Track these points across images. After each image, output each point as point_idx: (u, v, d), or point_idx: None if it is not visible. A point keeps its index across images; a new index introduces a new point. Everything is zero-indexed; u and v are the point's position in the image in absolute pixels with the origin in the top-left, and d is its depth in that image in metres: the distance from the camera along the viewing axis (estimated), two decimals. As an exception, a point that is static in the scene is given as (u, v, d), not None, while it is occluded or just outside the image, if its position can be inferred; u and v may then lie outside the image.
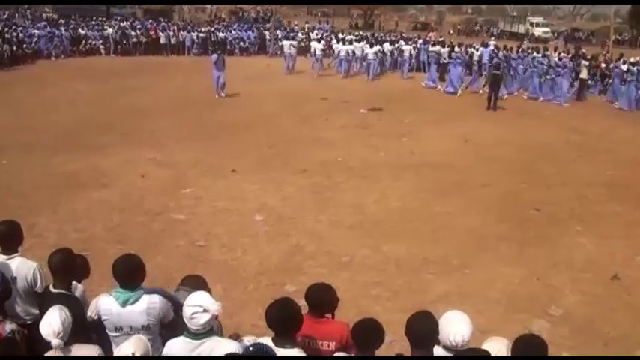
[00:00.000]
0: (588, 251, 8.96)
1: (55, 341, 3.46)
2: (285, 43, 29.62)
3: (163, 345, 3.81)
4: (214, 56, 21.22)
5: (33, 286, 4.43)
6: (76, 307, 3.96)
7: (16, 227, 4.56)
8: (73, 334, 3.61)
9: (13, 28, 31.08)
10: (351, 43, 29.53)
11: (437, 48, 27.66)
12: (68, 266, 4.20)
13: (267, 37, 38.17)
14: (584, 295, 7.61)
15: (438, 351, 3.61)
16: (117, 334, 3.95)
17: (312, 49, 29.72)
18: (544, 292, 7.66)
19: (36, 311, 4.49)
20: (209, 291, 3.99)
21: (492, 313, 7.01)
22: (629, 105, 21.91)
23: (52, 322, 3.50)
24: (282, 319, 3.58)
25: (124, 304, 3.90)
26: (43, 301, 4.14)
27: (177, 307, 3.92)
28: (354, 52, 28.60)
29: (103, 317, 3.95)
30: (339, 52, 28.89)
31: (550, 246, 9.07)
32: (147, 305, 3.93)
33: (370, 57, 27.16)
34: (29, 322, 4.44)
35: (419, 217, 10.15)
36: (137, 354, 3.36)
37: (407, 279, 7.87)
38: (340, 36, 33.70)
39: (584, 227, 9.87)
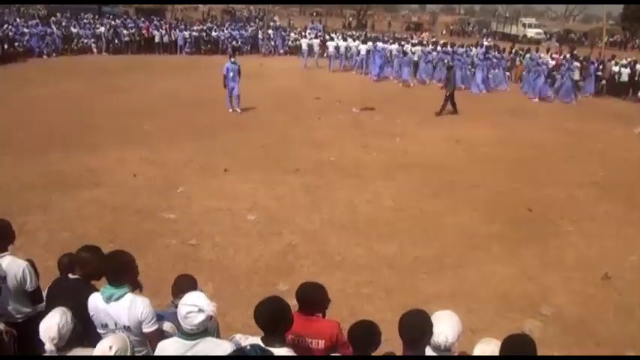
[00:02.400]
0: (580, 251, 9.00)
1: (47, 346, 3.44)
2: (304, 41, 33.04)
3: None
4: (229, 64, 18.03)
5: (23, 285, 4.42)
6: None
7: (7, 226, 4.54)
8: (80, 337, 3.59)
9: (5, 26, 30.92)
10: (364, 42, 31.21)
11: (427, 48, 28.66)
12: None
13: (260, 36, 38.14)
14: (576, 294, 7.64)
15: (427, 351, 3.59)
16: (103, 331, 3.95)
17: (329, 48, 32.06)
18: (536, 291, 7.68)
19: (27, 310, 4.48)
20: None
21: (484, 312, 7.04)
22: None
23: (50, 327, 3.47)
24: (271, 317, 3.54)
25: (107, 300, 3.89)
26: (63, 286, 4.25)
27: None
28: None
29: (91, 313, 3.94)
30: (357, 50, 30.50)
31: (542, 246, 9.10)
32: (129, 304, 3.90)
33: (363, 52, 29.49)
34: (20, 320, 4.42)
35: (411, 216, 10.16)
36: (114, 348, 3.33)
37: (399, 278, 7.87)
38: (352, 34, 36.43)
39: (575, 227, 9.91)
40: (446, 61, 24.28)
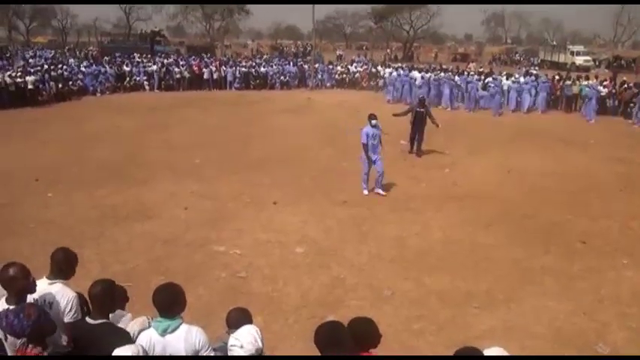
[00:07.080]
0: (635, 285, 8.70)
1: None
2: (387, 71, 35.22)
3: None
4: (368, 129, 13.03)
5: (62, 317, 4.33)
6: (128, 339, 3.99)
7: (73, 258, 4.55)
8: None
9: (59, 66, 32.11)
10: (420, 71, 32.95)
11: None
12: (109, 296, 4.23)
13: (307, 70, 38.62)
14: (633, 331, 7.37)
15: None
16: None
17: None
18: (591, 327, 7.44)
19: (63, 343, 4.41)
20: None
21: (538, 349, 6.83)
22: None
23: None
24: (328, 341, 3.58)
25: (163, 332, 3.91)
26: (82, 333, 4.15)
27: None
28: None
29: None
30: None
31: (596, 279, 8.85)
32: (185, 333, 3.94)
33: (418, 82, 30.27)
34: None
35: (462, 249, 10.03)
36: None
37: (450, 313, 7.74)
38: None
39: (630, 260, 9.60)
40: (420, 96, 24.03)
